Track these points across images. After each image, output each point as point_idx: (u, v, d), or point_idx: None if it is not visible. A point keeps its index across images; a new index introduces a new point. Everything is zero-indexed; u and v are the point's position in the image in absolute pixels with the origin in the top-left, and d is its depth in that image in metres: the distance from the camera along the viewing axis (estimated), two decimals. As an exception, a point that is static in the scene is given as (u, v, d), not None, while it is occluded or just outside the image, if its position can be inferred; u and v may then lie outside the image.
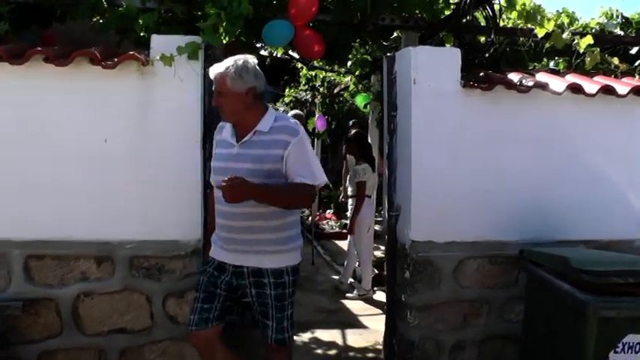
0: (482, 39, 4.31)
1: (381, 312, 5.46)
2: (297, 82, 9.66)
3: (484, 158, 3.95)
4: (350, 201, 6.45)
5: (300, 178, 2.73)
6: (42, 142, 3.58)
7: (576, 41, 4.09)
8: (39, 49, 3.45)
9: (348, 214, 6.62)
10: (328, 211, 11.03)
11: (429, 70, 3.84)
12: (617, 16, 5.27)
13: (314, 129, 8.95)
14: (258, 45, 4.89)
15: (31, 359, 3.64)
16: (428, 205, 3.92)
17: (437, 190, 3.91)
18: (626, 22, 5.32)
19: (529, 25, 4.29)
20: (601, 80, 4.15)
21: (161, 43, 3.58)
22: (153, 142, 3.63)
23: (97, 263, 3.65)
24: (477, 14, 4.32)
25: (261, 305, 2.97)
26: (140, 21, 3.85)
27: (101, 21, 4.10)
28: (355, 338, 4.97)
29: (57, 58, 3.45)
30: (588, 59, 4.06)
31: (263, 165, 2.75)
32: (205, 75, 3.69)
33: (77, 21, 4.04)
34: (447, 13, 4.41)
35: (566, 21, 4.97)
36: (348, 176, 6.56)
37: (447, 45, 4.56)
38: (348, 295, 6.14)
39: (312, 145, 9.69)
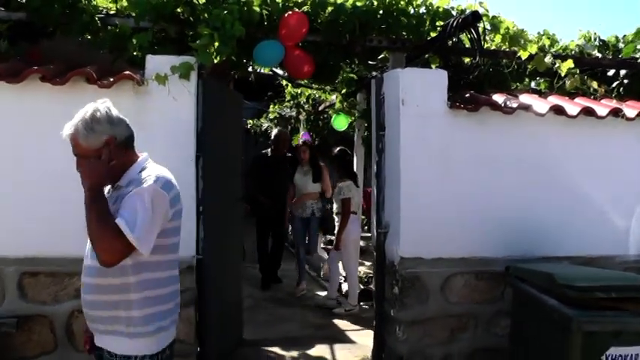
0: (467, 60, 4.44)
1: (367, 327, 5.51)
2: (281, 99, 9.75)
3: (471, 177, 4.07)
4: (336, 218, 6.51)
5: (121, 219, 2.15)
6: (37, 160, 3.62)
7: (557, 65, 4.23)
8: (36, 68, 3.51)
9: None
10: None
11: (417, 91, 3.96)
12: (595, 39, 5.46)
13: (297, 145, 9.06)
14: (248, 64, 4.96)
15: (23, 378, 3.66)
16: (416, 223, 4.02)
17: (425, 208, 4.02)
18: (603, 45, 5.52)
19: (512, 48, 4.43)
20: (581, 102, 4.31)
21: (156, 63, 3.67)
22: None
23: (90, 280, 3.67)
24: (462, 36, 4.45)
25: None
26: (134, 40, 3.91)
27: (90, 38, 4.14)
28: (344, 353, 5.02)
29: (53, 78, 3.50)
30: (569, 82, 4.20)
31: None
32: (198, 94, 3.78)
33: (65, 37, 4.08)
34: (433, 34, 4.53)
35: (547, 43, 5.16)
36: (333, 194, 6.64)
37: (433, 65, 4.69)
38: (335, 310, 6.19)
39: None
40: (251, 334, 5.28)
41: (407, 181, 4.01)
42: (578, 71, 4.45)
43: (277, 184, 6.83)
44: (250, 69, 6.57)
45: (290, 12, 4.13)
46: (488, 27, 4.39)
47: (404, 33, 4.45)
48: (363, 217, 8.02)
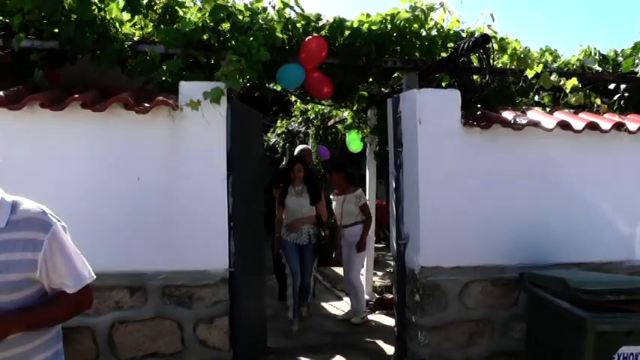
0: (477, 78, 4.69)
1: (384, 334, 5.73)
2: (288, 114, 9.96)
3: (484, 190, 4.31)
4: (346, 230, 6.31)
5: (67, 288, 1.97)
6: (79, 180, 3.86)
7: (562, 82, 4.49)
8: (77, 96, 3.76)
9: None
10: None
11: (433, 111, 4.22)
12: (595, 54, 5.72)
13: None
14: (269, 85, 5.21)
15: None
16: (434, 234, 4.26)
17: (442, 220, 4.26)
18: (603, 59, 5.77)
19: (520, 67, 4.69)
20: (586, 117, 4.56)
21: (189, 89, 3.92)
22: (182, 180, 3.94)
23: (130, 293, 3.92)
24: (472, 56, 4.71)
25: None
26: (164, 67, 4.16)
27: (126, 65, 4.40)
28: (365, 355, 5.25)
29: (93, 104, 3.75)
30: (574, 98, 4.46)
31: (7, 276, 1.83)
32: (228, 116, 4.02)
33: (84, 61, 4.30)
34: (444, 55, 4.79)
35: (549, 58, 5.42)
36: (341, 207, 6.39)
37: (443, 83, 4.95)
38: (353, 320, 6.36)
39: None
40: (274, 343, 5.49)
41: (425, 195, 4.25)
42: (581, 86, 4.71)
43: None
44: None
45: (310, 37, 4.40)
46: (496, 48, 4.64)
47: (417, 54, 4.72)
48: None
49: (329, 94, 4.74)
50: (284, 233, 5.97)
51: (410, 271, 4.40)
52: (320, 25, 4.56)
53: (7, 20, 4.04)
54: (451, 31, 4.69)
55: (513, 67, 4.74)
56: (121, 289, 3.92)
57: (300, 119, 9.52)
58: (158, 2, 4.38)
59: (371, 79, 5.13)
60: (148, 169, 3.91)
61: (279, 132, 11.23)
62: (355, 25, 4.56)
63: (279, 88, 6.75)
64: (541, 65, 4.42)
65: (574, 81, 4.51)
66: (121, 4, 4.28)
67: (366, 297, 6.69)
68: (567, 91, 4.52)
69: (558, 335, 3.60)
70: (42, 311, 1.93)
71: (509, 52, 4.58)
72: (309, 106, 8.64)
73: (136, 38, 4.42)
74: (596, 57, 5.74)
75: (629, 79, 5.38)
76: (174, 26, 4.18)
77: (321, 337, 5.89)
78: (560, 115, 4.55)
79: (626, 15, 27.69)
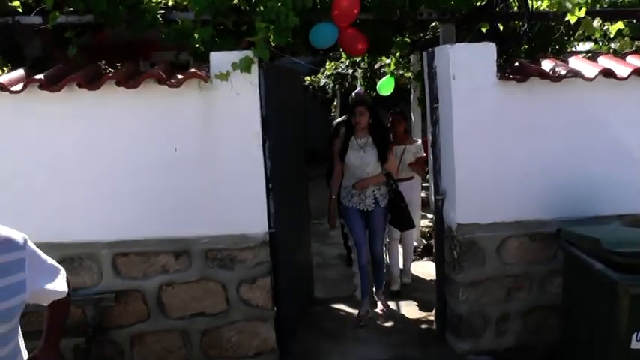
0: (516, 26, 4.51)
1: (431, 283, 5.83)
2: (337, 54, 9.87)
3: (522, 144, 4.23)
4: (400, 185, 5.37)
5: (57, 294, 2.02)
6: (121, 154, 4.03)
7: (606, 27, 4.26)
8: (111, 74, 3.89)
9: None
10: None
11: (467, 66, 4.12)
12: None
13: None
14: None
15: (124, 341, 4.20)
16: (471, 190, 4.25)
17: (479, 176, 4.23)
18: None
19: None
20: (633, 61, 4.33)
21: (219, 59, 3.96)
22: (218, 148, 4.05)
23: (175, 257, 4.14)
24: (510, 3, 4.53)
25: None
26: (196, 35, 4.21)
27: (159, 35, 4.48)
28: (409, 309, 5.39)
29: (127, 81, 3.86)
30: (618, 45, 4.24)
31: (5, 304, 1.73)
32: (260, 83, 4.07)
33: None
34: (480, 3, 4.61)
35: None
36: (400, 159, 5.81)
37: (483, 29, 4.80)
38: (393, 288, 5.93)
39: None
40: (321, 293, 5.69)
41: (460, 152, 4.22)
42: (625, 30, 4.44)
43: None
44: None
45: (341, -6, 4.31)
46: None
47: (452, 2, 4.57)
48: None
49: (363, 50, 4.68)
50: (344, 198, 5.07)
51: (447, 227, 4.43)
52: (351, -20, 4.46)
53: (43, -2, 4.17)
54: (488, -22, 4.49)
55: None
56: (166, 253, 4.13)
57: (347, 61, 9.43)
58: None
59: (407, 33, 5.00)
60: (184, 140, 4.03)
61: (328, 73, 11.17)
62: (388, -22, 4.43)
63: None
64: (583, 10, 4.19)
65: (619, 25, 4.27)
66: (151, -26, 4.32)
67: (415, 243, 6.76)
68: (611, 36, 4.29)
69: (593, 295, 3.59)
70: (60, 330, 2.11)
71: (548, -4, 4.36)
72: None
73: (168, 3, 4.48)
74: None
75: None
76: (204, -7, 4.19)
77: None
78: (604, 62, 4.34)
79: None
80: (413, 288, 6.00)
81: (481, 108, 4.16)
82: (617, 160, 4.30)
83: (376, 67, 8.77)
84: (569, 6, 4.14)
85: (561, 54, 4.95)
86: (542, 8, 4.65)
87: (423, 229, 7.40)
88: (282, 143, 4.54)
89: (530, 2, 4.46)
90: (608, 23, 4.32)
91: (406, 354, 4.55)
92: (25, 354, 1.98)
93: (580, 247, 3.73)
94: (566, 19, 4.35)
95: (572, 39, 5.02)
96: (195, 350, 4.24)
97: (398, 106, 7.14)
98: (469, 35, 4.51)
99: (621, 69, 4.19)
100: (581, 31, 4.36)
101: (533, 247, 4.32)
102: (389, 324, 5.15)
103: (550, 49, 5.25)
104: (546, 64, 4.29)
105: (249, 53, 3.94)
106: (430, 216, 7.97)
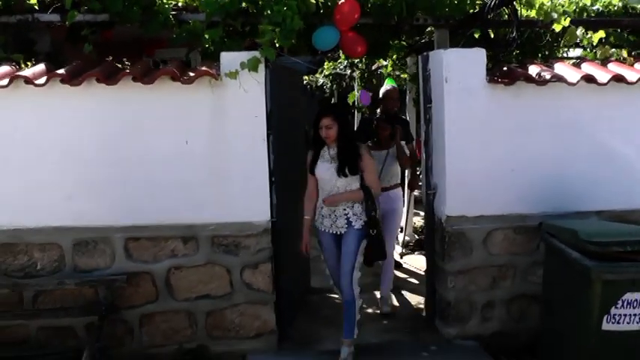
0: (505, 34, 4.83)
1: (421, 275, 6.14)
2: (335, 54, 10.16)
3: (508, 143, 4.54)
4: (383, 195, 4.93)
5: None
6: (135, 145, 4.32)
7: (590, 35, 4.58)
8: (128, 71, 4.18)
9: None
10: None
11: (459, 69, 4.42)
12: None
13: (354, 102, 9.58)
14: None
15: (134, 320, 4.48)
16: (460, 185, 4.55)
17: (467, 172, 4.54)
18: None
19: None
20: (613, 69, 4.66)
21: (229, 59, 4.25)
22: (226, 142, 4.34)
23: (183, 242, 4.43)
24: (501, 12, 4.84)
25: None
26: (206, 36, 4.51)
27: (171, 35, 4.77)
28: (402, 299, 5.71)
29: (143, 77, 4.15)
30: (600, 52, 4.56)
31: None
32: (266, 82, 4.36)
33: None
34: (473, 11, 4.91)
35: (587, 1, 5.34)
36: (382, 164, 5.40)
37: (476, 35, 5.11)
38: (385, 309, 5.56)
39: (353, 118, 10.15)
40: (318, 283, 5.98)
41: (451, 149, 4.52)
42: (610, 38, 4.77)
43: None
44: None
45: (343, 0, 4.61)
46: (524, 3, 4.75)
47: (447, 9, 4.87)
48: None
49: (363, 52, 4.98)
50: (317, 219, 4.44)
51: (438, 219, 4.74)
52: (352, -13, 4.76)
53: (62, -2, 4.46)
54: (480, -13, 4.80)
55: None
56: (175, 239, 4.42)
57: (345, 62, 9.73)
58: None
59: (404, 37, 5.31)
60: (195, 133, 4.32)
61: (326, 73, 11.45)
62: (386, -15, 4.74)
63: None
64: (568, 19, 4.51)
65: (601, 34, 4.59)
66: (165, -24, 4.61)
67: (407, 238, 7.07)
68: (594, 43, 4.61)
69: (569, 282, 3.90)
70: None
71: (536, 6, 4.67)
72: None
73: (179, 4, 4.77)
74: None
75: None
76: (214, -2, 4.48)
77: (364, 277, 6.30)
78: (587, 68, 4.66)
79: None
80: (404, 280, 6.30)
81: (471, 109, 4.47)
82: (596, 159, 4.62)
83: (373, 68, 9.09)
84: (556, 15, 4.46)
85: (550, 59, 5.25)
86: (531, 16, 4.95)
87: (416, 225, 7.71)
88: (284, 139, 4.83)
89: (519, 11, 4.78)
90: (591, 32, 4.63)
91: (397, 338, 4.85)
92: None
93: (559, 238, 4.04)
94: (552, 27, 4.67)
95: (560, 45, 5.32)
96: (200, 330, 4.53)
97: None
98: (462, 40, 4.81)
99: (602, 75, 4.51)
100: (566, 39, 4.67)
101: (517, 240, 4.63)
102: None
103: (540, 55, 5.59)
104: (533, 69, 4.60)
105: (256, 54, 4.23)
106: (423, 213, 8.31)
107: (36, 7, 4.62)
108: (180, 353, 4.52)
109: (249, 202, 4.41)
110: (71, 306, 4.36)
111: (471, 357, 4.46)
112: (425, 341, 4.77)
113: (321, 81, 12.09)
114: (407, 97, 7.56)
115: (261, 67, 4.29)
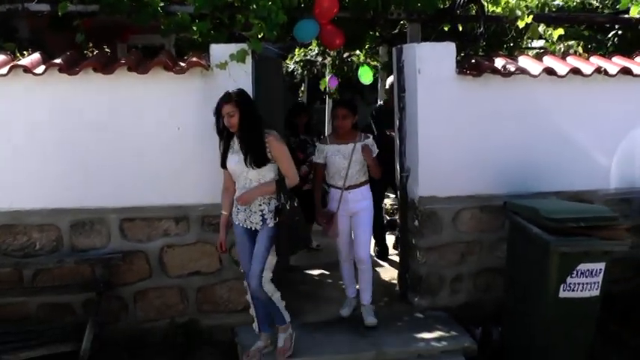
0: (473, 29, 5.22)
1: (394, 254, 6.53)
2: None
3: (476, 130, 4.95)
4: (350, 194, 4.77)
5: None
6: (129, 131, 4.59)
7: (550, 32, 5.00)
8: (123, 61, 4.43)
9: None
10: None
11: (430, 62, 4.80)
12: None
13: (325, 88, 9.90)
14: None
15: (128, 297, 4.77)
16: (431, 167, 4.95)
17: (438, 156, 4.93)
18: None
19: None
20: (572, 62, 5.09)
21: (218, 51, 4.53)
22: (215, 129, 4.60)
23: (175, 222, 4.72)
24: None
25: None
26: (194, 28, 4.77)
27: (160, 27, 5.00)
28: (376, 275, 6.05)
29: (137, 67, 4.41)
30: (557, 48, 4.98)
31: None
32: (253, 71, 4.65)
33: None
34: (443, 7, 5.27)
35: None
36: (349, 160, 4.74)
37: (446, 28, 5.49)
38: (368, 322, 5.08)
39: (324, 104, 10.42)
40: (295, 263, 6.31)
41: (423, 135, 4.90)
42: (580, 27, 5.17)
43: None
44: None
45: (322, -5, 4.91)
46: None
47: (419, 5, 5.22)
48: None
49: (341, 44, 5.32)
50: (233, 211, 4.26)
51: (411, 200, 5.12)
52: (331, -18, 5.07)
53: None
54: (450, -16, 5.17)
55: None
56: (167, 219, 4.70)
57: (317, 49, 10.00)
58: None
59: (378, 29, 5.65)
60: (186, 120, 4.59)
61: (297, 59, 11.69)
62: (363, -19, 5.07)
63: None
64: (531, 17, 4.91)
65: (560, 31, 5.02)
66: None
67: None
68: (554, 39, 5.03)
69: (531, 255, 4.32)
70: None
71: (502, 4, 5.06)
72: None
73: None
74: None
75: (620, 21, 5.84)
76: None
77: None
78: (548, 61, 5.08)
79: None
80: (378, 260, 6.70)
81: (442, 98, 4.85)
82: (557, 145, 5.07)
83: (345, 55, 9.40)
84: (519, 13, 4.86)
85: (515, 51, 5.65)
86: (497, 12, 5.34)
87: (387, 207, 8.09)
88: (268, 123, 5.12)
89: (486, 7, 5.17)
90: (552, 28, 5.05)
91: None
92: None
93: (522, 215, 4.46)
94: (516, 23, 5.07)
95: (524, 39, 5.74)
96: (191, 305, 4.84)
97: (362, 94, 7.73)
98: (433, 34, 5.18)
99: (561, 68, 4.94)
100: (529, 35, 5.08)
101: (484, 218, 5.05)
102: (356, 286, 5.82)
103: (505, 47, 6.00)
104: (499, 62, 5.01)
105: (244, 46, 4.51)
106: (392, 196, 8.71)
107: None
108: (173, 327, 4.81)
109: (236, 184, 4.71)
110: (69, 284, 4.61)
111: (442, 326, 4.85)
112: (399, 313, 5.16)
113: (291, 67, 12.34)
114: (378, 85, 7.92)
115: (249, 58, 4.57)
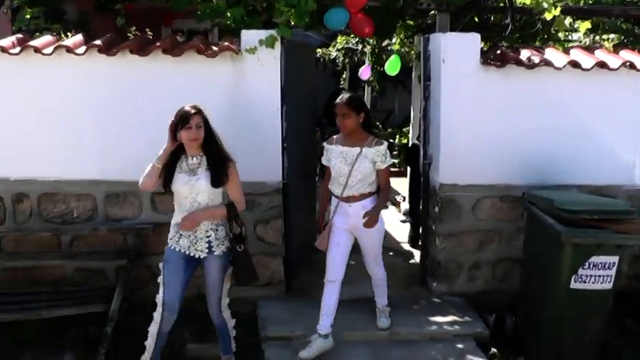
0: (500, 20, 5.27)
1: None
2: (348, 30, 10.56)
3: (498, 120, 5.02)
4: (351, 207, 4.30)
5: None
6: (161, 109, 4.65)
7: (578, 25, 5.01)
8: (158, 44, 4.68)
9: None
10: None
11: (455, 52, 4.89)
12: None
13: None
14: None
15: (156, 266, 4.95)
16: (453, 156, 5.05)
17: (460, 145, 5.02)
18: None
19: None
20: (599, 55, 5.09)
21: (249, 36, 4.72)
22: (244, 110, 4.83)
23: (204, 198, 4.94)
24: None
25: None
26: (228, 14, 4.98)
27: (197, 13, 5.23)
28: (396, 259, 6.24)
29: (172, 50, 4.65)
30: (585, 40, 5.00)
31: None
32: (282, 57, 4.82)
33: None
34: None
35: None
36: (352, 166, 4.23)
37: (476, 19, 5.55)
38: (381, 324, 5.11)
39: (364, 92, 10.60)
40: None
41: (446, 124, 5.01)
42: (604, 26, 5.19)
43: None
44: None
45: (353, -16, 5.05)
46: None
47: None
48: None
49: (370, 33, 5.45)
50: (172, 237, 4.00)
51: (432, 187, 5.24)
52: (362, -28, 5.20)
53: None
54: (479, -24, 5.24)
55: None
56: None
57: (357, 38, 10.13)
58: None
59: (409, 18, 5.76)
60: (216, 101, 4.77)
61: (339, 47, 11.85)
62: (393, -29, 5.19)
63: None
64: (558, 9, 4.94)
65: (587, 25, 5.02)
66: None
67: (407, 207, 7.53)
68: (581, 34, 5.04)
69: (545, 245, 4.39)
70: None
71: (530, -3, 5.11)
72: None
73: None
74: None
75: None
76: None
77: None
78: (574, 54, 5.10)
79: None
80: (398, 243, 6.82)
81: (465, 87, 4.94)
82: (578, 138, 5.09)
83: (384, 44, 9.51)
84: (545, 5, 4.89)
85: (546, 44, 5.67)
86: (526, 4, 5.38)
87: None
88: (296, 109, 5.32)
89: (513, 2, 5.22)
90: (580, 22, 5.06)
91: (390, 293, 5.35)
92: None
93: (538, 206, 4.53)
94: (543, 15, 5.10)
95: (552, 32, 5.76)
96: (215, 277, 5.07)
97: (403, 83, 7.83)
98: (461, 24, 5.26)
99: (587, 61, 4.95)
100: (555, 27, 5.10)
101: (504, 208, 5.14)
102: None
103: (538, 39, 6.02)
104: (524, 53, 5.05)
105: (274, 32, 4.69)
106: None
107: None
108: (198, 297, 5.04)
109: (264, 164, 4.92)
110: (102, 251, 4.92)
111: (456, 311, 4.98)
112: (416, 296, 5.31)
113: (334, 54, 12.52)
114: (412, 74, 8.01)
115: (277, 44, 4.75)
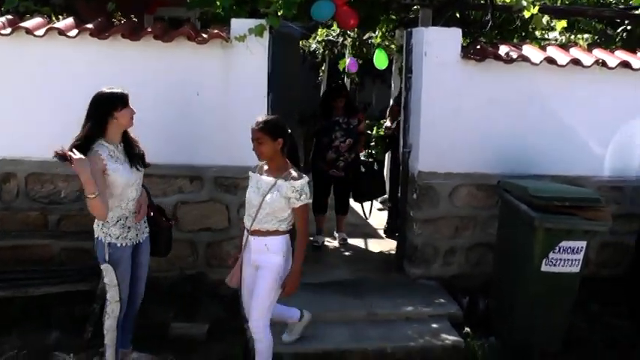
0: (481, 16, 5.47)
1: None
2: (329, 22, 10.67)
3: (477, 112, 5.24)
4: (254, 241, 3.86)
5: None
6: (153, 94, 4.89)
7: (554, 23, 5.24)
8: (149, 29, 4.78)
9: None
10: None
11: (436, 46, 5.10)
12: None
13: (344, 69, 10.16)
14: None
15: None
16: (432, 145, 5.26)
17: (439, 134, 5.24)
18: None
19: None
20: (574, 53, 5.34)
21: (238, 25, 4.85)
22: (232, 96, 4.96)
23: (190, 181, 5.09)
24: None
25: None
26: (218, 2, 5.10)
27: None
28: (375, 246, 6.43)
29: (163, 36, 4.76)
30: (563, 38, 5.23)
31: None
32: (269, 46, 4.96)
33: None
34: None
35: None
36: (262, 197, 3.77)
37: (457, 15, 5.75)
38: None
39: (346, 84, 10.74)
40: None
41: (426, 114, 5.21)
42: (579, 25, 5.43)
43: None
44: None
45: (339, -24, 5.19)
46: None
47: (431, -9, 5.49)
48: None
49: (355, 25, 5.60)
50: (118, 237, 3.78)
51: (411, 174, 5.44)
52: (349, -35, 5.35)
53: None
54: (462, -28, 5.42)
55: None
56: (183, 177, 5.07)
57: (338, 30, 10.24)
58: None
59: (392, 13, 5.93)
60: (205, 86, 4.93)
61: (319, 39, 11.94)
62: (379, -36, 5.34)
63: None
64: (537, 8, 5.16)
65: (563, 24, 5.26)
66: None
67: (385, 196, 7.73)
68: (557, 32, 5.28)
69: (518, 230, 4.61)
70: None
71: (508, -6, 5.32)
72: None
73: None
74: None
75: (628, 16, 6.04)
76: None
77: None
78: (551, 51, 5.34)
79: None
80: (375, 230, 7.02)
81: (446, 80, 5.15)
82: (555, 131, 5.35)
83: (364, 37, 9.65)
84: (525, 3, 5.11)
85: (524, 41, 5.89)
86: (507, 0, 5.59)
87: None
88: (281, 95, 5.47)
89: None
90: (556, 20, 5.30)
91: (369, 276, 5.60)
92: None
93: (512, 193, 4.75)
94: (521, 13, 5.32)
95: (529, 29, 5.99)
96: (200, 259, 5.22)
97: (381, 77, 7.99)
98: (442, 20, 5.44)
99: (562, 57, 5.19)
100: (533, 25, 5.32)
101: (479, 195, 5.37)
102: (357, 254, 6.19)
103: (516, 36, 6.25)
104: (503, 49, 5.28)
105: (263, 21, 4.83)
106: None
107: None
108: (182, 278, 5.18)
109: (249, 149, 5.00)
110: (90, 230, 4.99)
111: (431, 293, 5.21)
112: (393, 280, 5.52)
113: (313, 46, 12.61)
114: (393, 67, 8.19)
115: (266, 33, 4.89)
